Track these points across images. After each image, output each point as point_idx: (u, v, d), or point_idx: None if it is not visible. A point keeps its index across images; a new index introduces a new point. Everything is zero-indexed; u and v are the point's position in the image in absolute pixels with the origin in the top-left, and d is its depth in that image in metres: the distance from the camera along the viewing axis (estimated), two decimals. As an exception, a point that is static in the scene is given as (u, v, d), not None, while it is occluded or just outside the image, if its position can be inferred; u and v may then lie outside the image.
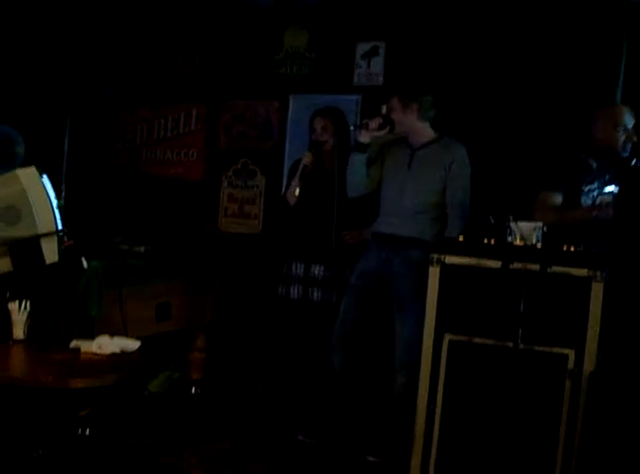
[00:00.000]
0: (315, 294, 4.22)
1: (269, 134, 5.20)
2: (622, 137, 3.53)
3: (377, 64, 4.88)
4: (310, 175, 4.19)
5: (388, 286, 3.84)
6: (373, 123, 3.83)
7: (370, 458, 3.87)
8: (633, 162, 3.54)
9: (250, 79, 5.24)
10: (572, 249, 3.09)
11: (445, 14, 4.58)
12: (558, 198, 3.57)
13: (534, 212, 3.54)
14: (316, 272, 4.23)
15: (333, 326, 4.01)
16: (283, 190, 4.50)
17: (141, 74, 5.57)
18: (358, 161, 3.90)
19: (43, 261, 3.24)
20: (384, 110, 3.94)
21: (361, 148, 3.86)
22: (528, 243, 3.13)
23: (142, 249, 4.34)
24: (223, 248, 5.06)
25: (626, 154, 3.55)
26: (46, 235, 3.21)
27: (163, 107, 5.51)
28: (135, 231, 4.74)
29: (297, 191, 4.15)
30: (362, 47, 4.91)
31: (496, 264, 3.09)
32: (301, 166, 4.17)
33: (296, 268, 4.29)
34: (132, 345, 3.10)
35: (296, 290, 4.27)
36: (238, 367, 4.96)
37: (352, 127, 3.97)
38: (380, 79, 4.86)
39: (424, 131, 3.88)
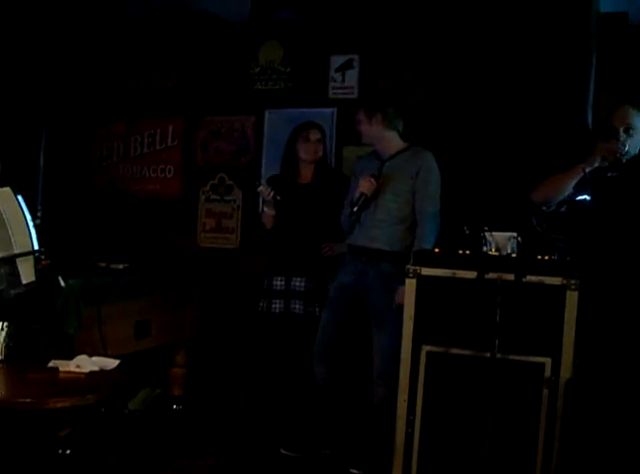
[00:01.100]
0: (297, 307, 4.22)
1: (245, 149, 5.22)
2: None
3: (352, 77, 4.91)
4: (286, 190, 4.24)
5: (365, 299, 3.86)
6: (366, 188, 3.81)
7: (353, 471, 3.87)
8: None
9: (226, 94, 5.26)
10: (546, 258, 3.13)
11: (418, 26, 4.63)
12: None
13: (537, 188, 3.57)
14: (297, 285, 4.23)
15: (313, 338, 4.02)
16: (260, 208, 4.49)
17: (117, 91, 5.57)
18: (352, 219, 3.91)
19: (20, 281, 3.22)
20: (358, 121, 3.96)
21: (352, 209, 3.87)
22: (503, 253, 3.16)
23: (121, 266, 4.33)
24: (202, 263, 5.06)
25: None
26: (23, 255, 3.19)
27: (139, 124, 5.52)
28: (114, 249, 4.73)
29: (272, 215, 4.24)
30: (337, 61, 4.95)
31: (471, 274, 3.11)
32: (269, 198, 4.21)
33: (277, 281, 4.29)
34: (111, 363, 3.09)
35: (278, 304, 4.27)
36: (219, 383, 4.95)
37: (355, 209, 3.82)
38: (355, 92, 4.89)
39: (392, 142, 3.92)
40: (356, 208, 3.80)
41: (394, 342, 3.40)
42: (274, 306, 4.27)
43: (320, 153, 4.32)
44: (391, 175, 3.85)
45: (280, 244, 4.33)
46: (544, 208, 3.58)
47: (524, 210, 3.68)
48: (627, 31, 4.31)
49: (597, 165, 3.40)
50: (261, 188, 4.22)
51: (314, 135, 4.30)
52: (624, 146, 3.38)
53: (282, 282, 4.26)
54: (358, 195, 3.81)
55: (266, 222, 4.33)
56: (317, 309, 4.17)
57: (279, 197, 4.19)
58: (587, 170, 3.39)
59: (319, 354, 4.00)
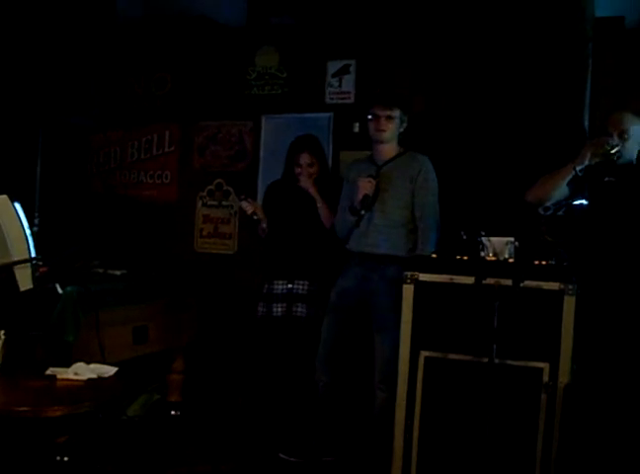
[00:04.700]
0: (299, 310, 4.21)
1: (242, 155, 5.22)
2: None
3: (348, 82, 4.91)
4: (287, 195, 4.23)
5: (367, 304, 3.85)
6: (368, 189, 3.83)
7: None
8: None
9: (222, 100, 5.27)
10: (544, 263, 3.13)
11: (415, 31, 4.63)
12: None
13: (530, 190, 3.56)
14: (299, 288, 4.23)
15: (315, 341, 4.02)
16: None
17: (113, 98, 5.57)
18: (351, 222, 3.90)
19: (17, 288, 3.22)
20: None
21: (357, 213, 3.85)
22: (501, 258, 3.16)
23: (118, 272, 4.33)
24: (200, 269, 5.06)
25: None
26: (20, 262, 3.19)
27: (136, 129, 5.52)
28: (111, 255, 4.72)
29: (265, 226, 4.26)
30: (333, 66, 4.95)
31: (469, 280, 3.10)
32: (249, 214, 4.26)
33: (279, 285, 4.28)
34: (109, 370, 3.09)
35: (280, 308, 4.26)
36: (217, 388, 4.94)
37: (362, 212, 3.83)
38: (352, 97, 4.89)
39: (393, 146, 3.93)
40: (362, 212, 3.80)
41: (395, 347, 3.39)
42: (275, 310, 4.26)
43: (314, 176, 4.26)
44: (389, 179, 3.86)
45: (283, 248, 4.33)
46: (541, 212, 3.58)
47: (522, 215, 3.69)
48: (624, 34, 4.32)
49: (587, 162, 3.37)
50: (243, 203, 4.24)
51: (304, 160, 4.26)
52: (614, 142, 3.35)
53: (285, 286, 4.25)
54: (360, 197, 3.81)
55: (260, 233, 4.34)
56: (319, 312, 4.17)
57: (255, 217, 4.20)
58: (577, 168, 3.37)
59: (322, 362, 4.00)
